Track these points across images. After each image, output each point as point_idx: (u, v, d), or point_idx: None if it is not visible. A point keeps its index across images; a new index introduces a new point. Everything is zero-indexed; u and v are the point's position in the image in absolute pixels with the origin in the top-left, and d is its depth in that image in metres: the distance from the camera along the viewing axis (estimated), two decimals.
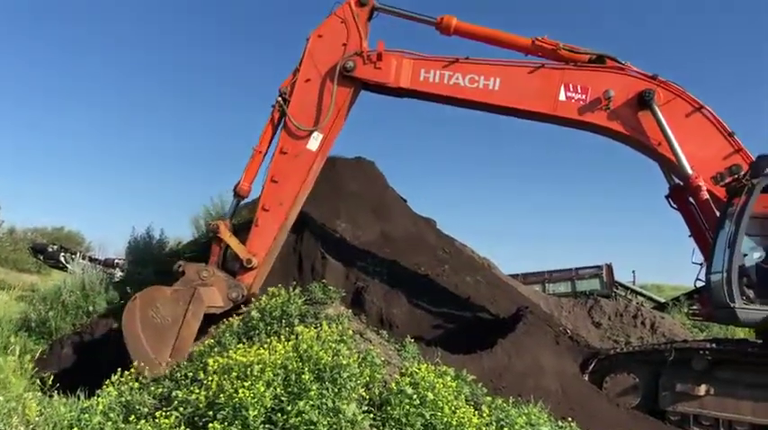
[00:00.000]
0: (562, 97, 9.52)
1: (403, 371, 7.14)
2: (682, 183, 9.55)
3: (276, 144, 9.85)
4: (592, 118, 9.50)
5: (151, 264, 13.23)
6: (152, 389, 7.25)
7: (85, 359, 10.61)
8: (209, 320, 9.02)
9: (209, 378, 6.39)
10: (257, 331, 7.88)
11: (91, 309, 12.07)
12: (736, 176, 8.88)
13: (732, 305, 8.21)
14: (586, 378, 9.69)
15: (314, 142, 9.72)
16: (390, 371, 7.27)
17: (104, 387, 7.04)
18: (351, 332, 7.39)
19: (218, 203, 14.15)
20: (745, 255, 8.70)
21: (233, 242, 9.54)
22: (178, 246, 14.55)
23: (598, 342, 13.52)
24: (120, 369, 7.47)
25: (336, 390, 6.11)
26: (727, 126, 9.21)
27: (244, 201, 10.46)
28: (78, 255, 20.84)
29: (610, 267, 20.72)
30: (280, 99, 9.86)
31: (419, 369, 6.85)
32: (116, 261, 18.83)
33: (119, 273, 16.02)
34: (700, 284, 9.36)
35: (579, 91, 9.49)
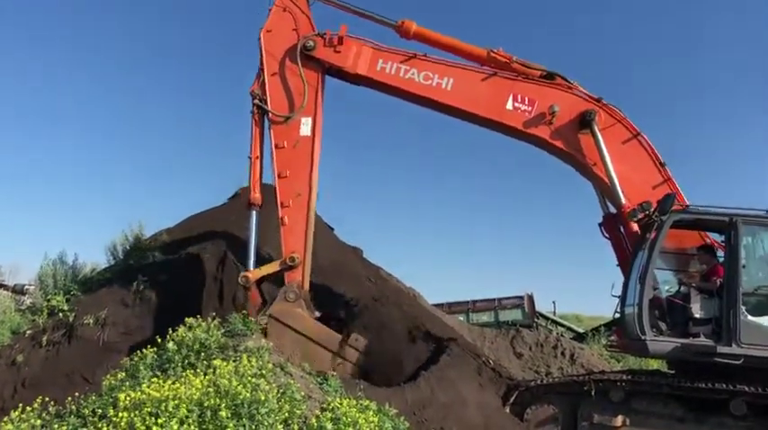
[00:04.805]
0: (509, 106, 9.88)
1: (324, 406, 7.00)
2: (614, 211, 9.89)
3: (270, 143, 10.08)
4: (535, 130, 9.87)
5: (63, 291, 12.56)
6: (55, 427, 6.79)
7: None
8: None
9: (119, 414, 6.04)
10: (173, 364, 7.55)
11: None
12: (646, 212, 9.26)
13: (643, 337, 8.50)
14: (508, 410, 9.77)
15: (305, 127, 9.99)
16: (311, 406, 7.10)
17: (2, 424, 6.56)
18: (271, 366, 7.21)
19: (135, 228, 13.67)
20: (656, 288, 9.04)
21: (265, 269, 9.81)
22: (92, 273, 13.90)
23: (520, 372, 13.73)
24: (21, 404, 6.99)
25: (254, 427, 5.92)
26: (660, 156, 9.66)
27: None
28: None
29: (531, 297, 21.22)
30: (256, 101, 10.11)
31: (341, 404, 6.75)
32: (26, 287, 17.82)
33: (28, 300, 15.17)
34: (618, 316, 9.67)
35: (526, 103, 9.87)
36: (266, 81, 10.15)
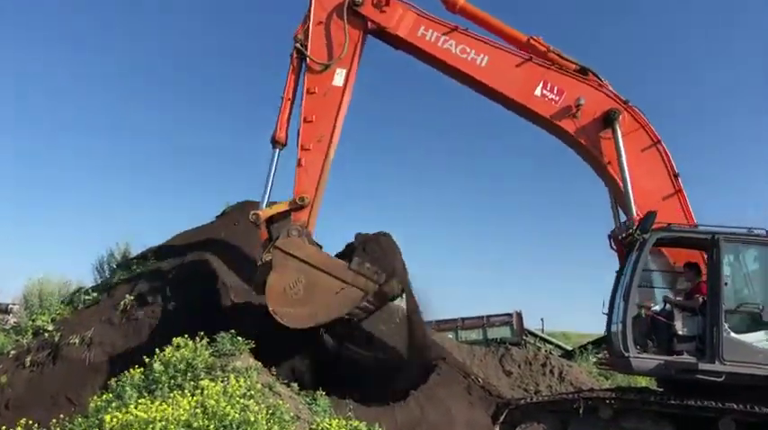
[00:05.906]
0: (537, 92, 10.20)
1: (313, 426, 6.98)
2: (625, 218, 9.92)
3: (303, 87, 10.45)
4: (558, 120, 10.13)
5: (48, 311, 12.42)
6: None
7: None
8: None
9: None
10: (160, 385, 7.49)
11: None
12: (629, 231, 9.32)
13: (627, 354, 8.53)
14: (497, 428, 9.73)
15: (338, 78, 10.46)
16: (300, 427, 7.08)
17: None
18: (259, 386, 7.18)
19: (122, 246, 13.59)
20: (641, 306, 9.07)
21: (275, 208, 10.06)
22: (79, 292, 13.76)
23: (509, 390, 13.72)
24: (4, 427, 6.92)
25: None
26: (675, 167, 9.79)
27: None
28: None
29: (519, 315, 21.20)
30: (297, 45, 10.54)
31: (330, 424, 6.72)
32: (10, 306, 17.61)
33: (12, 320, 14.99)
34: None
35: (555, 92, 10.16)
36: (310, 28, 10.55)
